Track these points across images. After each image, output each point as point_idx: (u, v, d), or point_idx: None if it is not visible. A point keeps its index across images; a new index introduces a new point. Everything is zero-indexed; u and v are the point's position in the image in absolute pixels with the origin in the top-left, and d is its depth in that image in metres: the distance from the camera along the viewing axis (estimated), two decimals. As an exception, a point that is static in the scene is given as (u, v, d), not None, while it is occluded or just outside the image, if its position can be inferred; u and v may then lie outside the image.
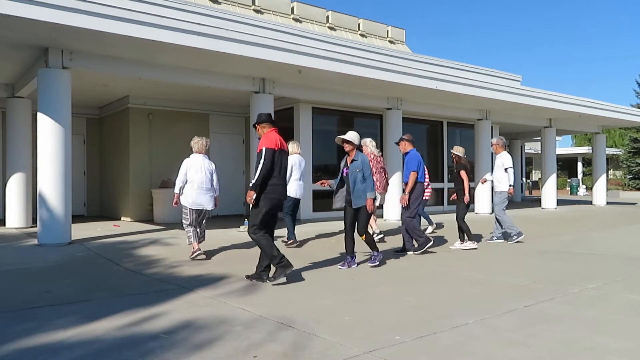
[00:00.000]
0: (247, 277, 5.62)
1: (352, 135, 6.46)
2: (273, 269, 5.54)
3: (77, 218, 11.42)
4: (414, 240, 7.59)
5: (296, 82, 10.86)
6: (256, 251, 7.67)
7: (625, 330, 3.81)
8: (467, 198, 8.11)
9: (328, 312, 4.29)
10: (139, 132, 12.49)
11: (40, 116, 7.97)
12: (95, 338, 3.61)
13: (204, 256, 6.94)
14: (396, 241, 8.55)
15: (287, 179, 7.64)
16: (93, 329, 3.80)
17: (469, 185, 8.27)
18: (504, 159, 8.82)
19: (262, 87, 10.39)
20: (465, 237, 8.16)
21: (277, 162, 5.46)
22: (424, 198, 9.15)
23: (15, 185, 10.37)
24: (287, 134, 12.44)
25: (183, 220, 7.11)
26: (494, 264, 6.80)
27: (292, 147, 8.40)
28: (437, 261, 6.99)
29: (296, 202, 8.43)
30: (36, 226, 8.22)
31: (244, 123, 14.09)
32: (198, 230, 7.11)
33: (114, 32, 7.21)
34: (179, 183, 7.00)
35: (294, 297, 4.91)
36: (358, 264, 6.55)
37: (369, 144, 9.10)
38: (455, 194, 8.27)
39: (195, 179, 6.93)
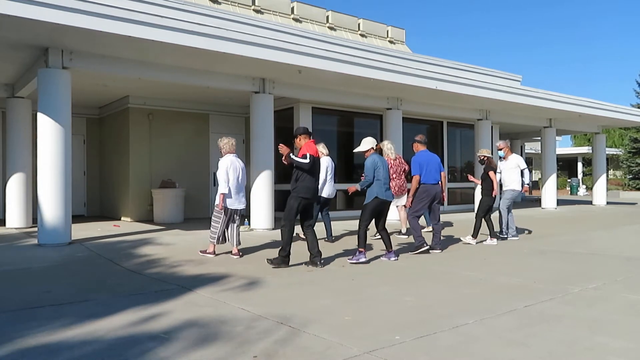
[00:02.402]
0: (305, 263, 6.48)
1: (360, 147, 7.03)
2: (322, 253, 6.59)
3: (77, 218, 11.42)
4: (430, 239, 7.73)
5: (296, 82, 10.86)
6: (256, 251, 7.69)
7: (625, 330, 3.80)
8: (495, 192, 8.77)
9: (328, 312, 4.29)
10: (139, 132, 12.49)
11: (40, 116, 7.97)
12: (95, 338, 3.61)
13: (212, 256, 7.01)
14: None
15: (321, 180, 8.26)
16: (93, 329, 3.80)
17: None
18: (518, 161, 9.20)
19: (262, 87, 10.39)
20: (484, 234, 8.77)
21: (313, 167, 6.34)
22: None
23: (15, 185, 10.37)
24: (287, 134, 12.44)
25: (213, 219, 7.07)
26: (494, 264, 6.80)
27: (323, 149, 8.66)
28: (437, 261, 6.99)
29: (326, 200, 8.76)
30: (36, 226, 8.22)
31: (244, 123, 14.09)
32: (227, 231, 7.11)
33: (114, 32, 7.21)
34: (225, 183, 6.89)
35: (294, 296, 4.91)
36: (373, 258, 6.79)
37: (384, 147, 9.17)
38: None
39: (233, 179, 6.99)
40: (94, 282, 5.56)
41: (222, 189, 6.94)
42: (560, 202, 19.27)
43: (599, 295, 4.93)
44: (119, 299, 4.80)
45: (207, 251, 7.05)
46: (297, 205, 6.31)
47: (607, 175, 24.91)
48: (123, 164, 12.69)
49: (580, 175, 37.56)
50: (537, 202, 19.42)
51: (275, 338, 3.61)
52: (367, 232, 6.81)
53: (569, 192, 32.69)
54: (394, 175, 9.13)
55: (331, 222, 8.96)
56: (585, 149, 35.93)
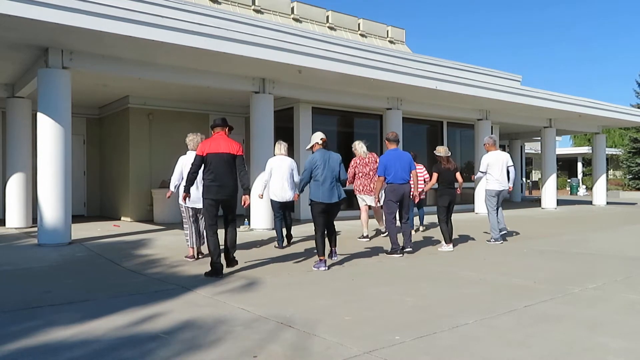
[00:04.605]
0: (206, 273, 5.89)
1: (309, 144, 6.67)
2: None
3: (77, 218, 11.43)
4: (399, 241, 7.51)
5: (296, 82, 10.86)
6: (256, 250, 7.69)
7: (625, 330, 3.80)
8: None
9: (328, 312, 4.29)
10: (139, 132, 12.49)
11: (40, 116, 7.98)
12: (95, 338, 3.61)
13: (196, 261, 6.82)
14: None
15: (266, 181, 7.98)
16: (93, 329, 3.80)
17: (431, 186, 8.59)
18: (483, 160, 8.93)
19: (262, 87, 10.39)
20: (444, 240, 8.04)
21: (208, 165, 5.81)
22: (421, 196, 9.55)
23: (15, 185, 10.37)
24: (287, 134, 12.46)
25: (183, 220, 7.06)
26: (494, 264, 6.79)
27: (276, 148, 8.18)
28: (437, 261, 6.99)
29: (282, 204, 7.98)
30: (36, 226, 8.22)
31: (244, 123, 14.09)
32: (198, 231, 7.01)
33: (114, 32, 7.22)
34: (174, 181, 6.87)
35: (294, 297, 4.91)
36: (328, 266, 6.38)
37: (358, 147, 9.10)
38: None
39: (194, 178, 6.84)
40: (94, 282, 5.56)
41: (170, 186, 6.90)
42: (560, 202, 19.27)
43: (599, 295, 4.93)
44: (119, 299, 4.80)
45: (187, 255, 6.91)
46: (208, 207, 5.80)
47: (607, 175, 24.91)
48: (123, 164, 12.69)
49: (580, 175, 37.57)
50: (537, 202, 19.42)
51: (275, 338, 3.61)
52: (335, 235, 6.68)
53: (569, 192, 32.69)
54: (369, 174, 8.93)
55: (289, 226, 8.22)
56: (585, 149, 35.94)
